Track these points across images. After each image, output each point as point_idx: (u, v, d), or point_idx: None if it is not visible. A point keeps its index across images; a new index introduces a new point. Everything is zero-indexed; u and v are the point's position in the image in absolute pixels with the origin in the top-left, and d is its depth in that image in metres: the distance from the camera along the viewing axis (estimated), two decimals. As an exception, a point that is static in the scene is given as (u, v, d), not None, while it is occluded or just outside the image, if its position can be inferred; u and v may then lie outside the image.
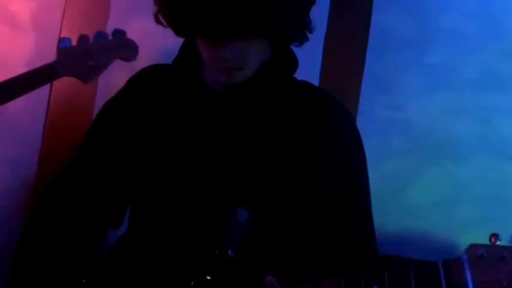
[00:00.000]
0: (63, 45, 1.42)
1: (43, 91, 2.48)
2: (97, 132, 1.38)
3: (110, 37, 1.46)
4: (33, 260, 1.30)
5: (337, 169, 1.25)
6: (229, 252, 1.13)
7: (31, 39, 2.52)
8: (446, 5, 2.49)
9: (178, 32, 1.25)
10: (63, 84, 2.51)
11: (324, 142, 1.25)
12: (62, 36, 2.53)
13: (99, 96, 2.41)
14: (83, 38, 1.43)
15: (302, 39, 1.26)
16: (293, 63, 1.32)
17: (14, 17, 2.51)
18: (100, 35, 1.45)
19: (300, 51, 1.32)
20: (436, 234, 2.35)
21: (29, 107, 2.48)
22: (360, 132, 1.33)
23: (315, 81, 2.42)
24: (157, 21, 1.24)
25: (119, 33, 1.46)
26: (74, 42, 1.46)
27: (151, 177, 1.28)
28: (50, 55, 2.62)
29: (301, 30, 1.24)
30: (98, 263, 1.31)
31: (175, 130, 1.28)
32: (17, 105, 2.50)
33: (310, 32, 1.27)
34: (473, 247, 0.92)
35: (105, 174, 1.34)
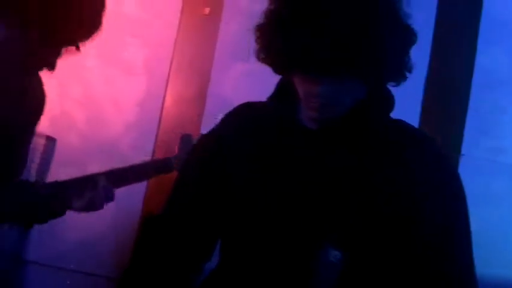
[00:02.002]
0: (184, 142, 1.50)
1: (150, 131, 2.63)
2: (191, 166, 1.41)
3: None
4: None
5: (435, 210, 1.21)
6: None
7: (142, 82, 2.69)
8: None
9: (276, 69, 1.27)
10: (169, 124, 2.66)
11: (420, 182, 1.21)
12: (169, 81, 2.69)
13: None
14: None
15: (400, 80, 1.24)
16: (389, 103, 1.29)
17: (127, 62, 2.71)
18: None
19: (399, 90, 1.31)
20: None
21: (137, 145, 2.64)
22: (462, 174, 1.28)
23: (415, 120, 2.39)
24: (259, 59, 1.26)
25: None
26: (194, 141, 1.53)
27: (244, 212, 1.28)
28: (158, 98, 2.80)
29: (399, 71, 1.22)
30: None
31: (269, 167, 1.28)
32: (125, 142, 2.67)
33: (410, 72, 1.24)
34: None
35: (198, 208, 1.35)
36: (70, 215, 2.62)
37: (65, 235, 2.68)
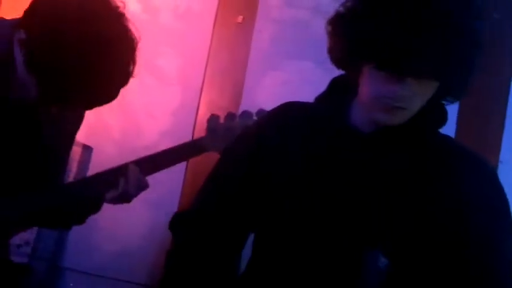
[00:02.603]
0: (212, 122, 1.50)
1: (184, 139, 2.65)
2: (229, 161, 1.37)
3: (255, 117, 1.51)
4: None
5: (483, 225, 1.19)
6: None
7: (176, 92, 2.73)
8: None
9: (349, 65, 1.21)
10: (203, 133, 2.68)
11: (469, 197, 1.20)
12: (203, 90, 2.71)
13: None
14: (229, 116, 1.50)
15: (461, 97, 1.24)
16: (443, 118, 1.28)
17: (162, 71, 2.74)
18: (245, 114, 1.51)
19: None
20: None
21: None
22: (502, 182, 1.27)
23: (452, 127, 2.36)
24: (332, 51, 1.22)
25: (263, 113, 1.51)
26: (222, 120, 1.52)
27: (286, 212, 1.25)
28: (192, 107, 2.82)
29: (467, 88, 1.21)
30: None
31: (315, 167, 1.25)
32: (161, 148, 2.70)
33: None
34: None
35: (233, 204, 1.32)
36: (107, 224, 2.66)
37: (102, 244, 2.72)
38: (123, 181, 1.42)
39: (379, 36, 1.10)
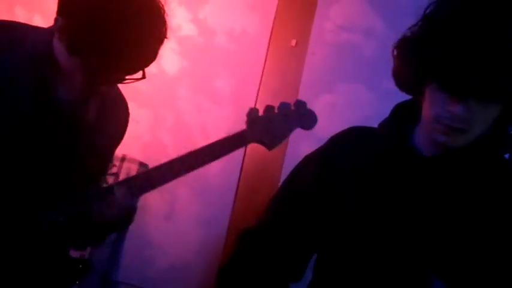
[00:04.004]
0: (251, 115, 1.54)
1: (237, 158, 2.70)
2: (294, 184, 1.40)
3: (293, 107, 1.55)
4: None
5: None
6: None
7: (229, 112, 2.78)
8: None
9: (412, 87, 1.23)
10: (254, 153, 2.72)
11: None
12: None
13: (286, 165, 2.57)
14: (268, 108, 1.53)
15: None
16: (509, 143, 1.25)
17: (216, 92, 2.81)
18: (284, 106, 1.54)
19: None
20: None
21: (224, 172, 2.71)
22: None
23: None
24: (397, 74, 1.24)
25: (301, 104, 1.54)
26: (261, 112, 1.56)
27: (348, 237, 1.27)
28: (244, 126, 2.86)
29: None
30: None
31: (377, 193, 1.26)
32: (213, 169, 2.75)
33: None
34: None
35: (297, 226, 1.35)
36: (160, 240, 2.72)
37: (155, 259, 2.78)
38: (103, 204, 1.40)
39: (440, 56, 1.12)
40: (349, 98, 2.52)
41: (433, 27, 1.16)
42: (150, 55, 1.35)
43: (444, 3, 1.16)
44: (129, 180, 1.44)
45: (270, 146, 1.53)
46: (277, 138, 1.52)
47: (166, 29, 1.35)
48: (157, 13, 1.33)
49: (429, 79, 1.17)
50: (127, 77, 1.37)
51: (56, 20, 1.31)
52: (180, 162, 1.47)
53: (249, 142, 1.52)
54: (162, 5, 1.35)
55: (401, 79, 1.24)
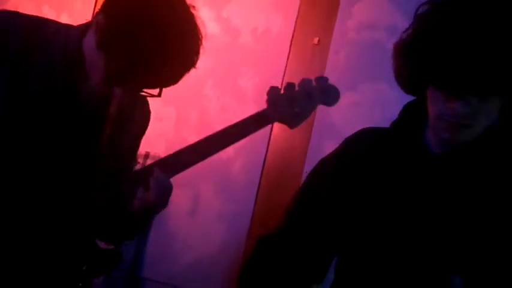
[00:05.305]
0: (272, 94, 1.49)
1: (259, 155, 2.72)
2: (311, 188, 1.40)
3: (314, 83, 1.50)
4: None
5: None
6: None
7: (252, 110, 2.78)
8: None
9: (413, 88, 1.25)
10: (277, 149, 2.74)
11: None
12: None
13: (308, 161, 2.57)
14: (289, 86, 1.49)
15: None
16: None
17: (240, 90, 2.83)
18: (305, 82, 1.50)
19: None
20: None
21: (247, 168, 2.73)
22: None
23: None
24: (398, 75, 1.25)
25: (322, 80, 1.50)
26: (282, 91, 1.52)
27: (366, 237, 1.28)
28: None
29: None
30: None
31: (392, 193, 1.27)
32: (236, 165, 2.76)
33: None
34: None
35: (318, 230, 1.35)
36: (185, 237, 2.74)
37: (179, 255, 2.81)
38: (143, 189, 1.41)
39: (432, 57, 1.14)
40: (372, 96, 2.52)
41: (423, 30, 1.18)
42: (173, 79, 1.35)
43: (434, 6, 1.18)
44: (160, 161, 1.45)
45: (292, 125, 1.49)
46: (300, 116, 1.47)
47: (198, 58, 1.35)
48: (197, 41, 1.33)
49: (425, 80, 1.19)
50: (143, 89, 1.37)
51: (97, 14, 1.34)
52: (209, 141, 1.48)
53: (271, 122, 1.49)
54: (202, 35, 1.34)
55: (401, 81, 1.26)
